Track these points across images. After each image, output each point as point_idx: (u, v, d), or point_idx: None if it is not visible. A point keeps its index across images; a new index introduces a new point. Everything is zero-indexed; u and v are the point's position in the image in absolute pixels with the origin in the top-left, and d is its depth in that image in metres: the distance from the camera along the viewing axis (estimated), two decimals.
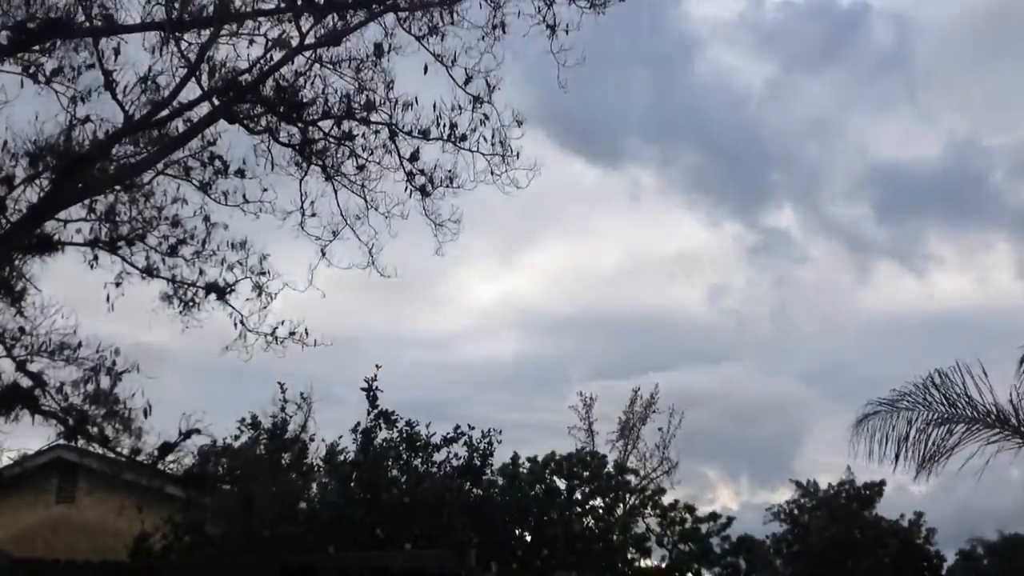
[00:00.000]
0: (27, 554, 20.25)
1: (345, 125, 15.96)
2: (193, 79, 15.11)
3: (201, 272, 16.79)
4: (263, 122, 15.85)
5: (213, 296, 16.73)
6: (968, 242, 77.97)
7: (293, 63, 15.52)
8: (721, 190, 74.02)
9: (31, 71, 14.51)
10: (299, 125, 15.90)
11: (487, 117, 15.69)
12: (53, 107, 14.85)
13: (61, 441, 17.30)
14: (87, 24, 14.36)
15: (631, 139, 58.77)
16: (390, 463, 22.72)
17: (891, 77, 74.29)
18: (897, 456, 13.93)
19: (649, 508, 36.81)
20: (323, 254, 16.42)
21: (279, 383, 21.93)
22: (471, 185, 16.02)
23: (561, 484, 30.40)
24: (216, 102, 15.35)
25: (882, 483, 43.16)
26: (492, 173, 15.87)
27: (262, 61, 15.31)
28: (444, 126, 15.73)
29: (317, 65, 15.64)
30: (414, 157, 16.04)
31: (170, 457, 16.45)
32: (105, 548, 20.44)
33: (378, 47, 15.46)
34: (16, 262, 15.61)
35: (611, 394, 48.55)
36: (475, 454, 23.19)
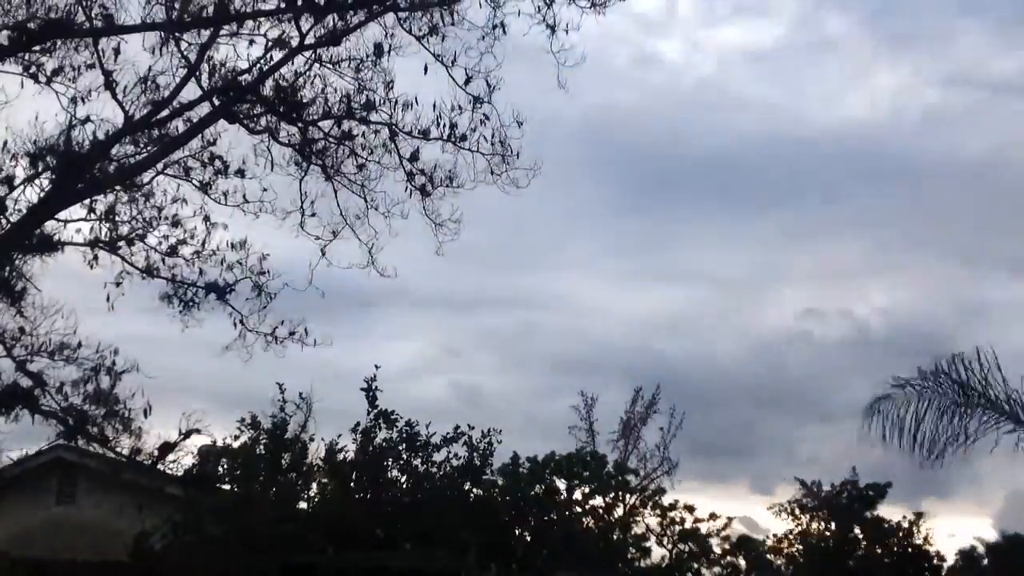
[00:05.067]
0: (27, 554, 20.27)
1: (345, 125, 15.96)
2: (193, 79, 15.16)
3: (201, 272, 16.77)
4: (263, 122, 15.87)
5: (213, 296, 16.71)
6: None
7: (293, 63, 15.56)
8: None
9: (31, 71, 14.54)
10: (299, 125, 15.90)
11: (487, 117, 15.70)
12: (53, 107, 14.91)
13: (61, 441, 17.33)
14: (87, 24, 14.37)
15: None
16: (390, 463, 22.72)
17: None
18: (915, 438, 13.69)
19: (649, 508, 36.83)
20: (323, 254, 16.42)
21: (278, 383, 21.94)
22: (471, 185, 16.03)
23: (561, 484, 30.41)
24: (216, 102, 15.37)
25: (887, 484, 43.05)
26: (492, 173, 15.87)
27: (262, 61, 15.35)
28: (444, 126, 15.73)
29: (317, 65, 15.68)
30: (414, 157, 16.03)
31: (170, 457, 16.48)
32: (105, 548, 20.45)
33: (378, 47, 15.46)
34: (16, 262, 15.61)
35: None
36: (475, 454, 23.17)
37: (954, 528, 78.86)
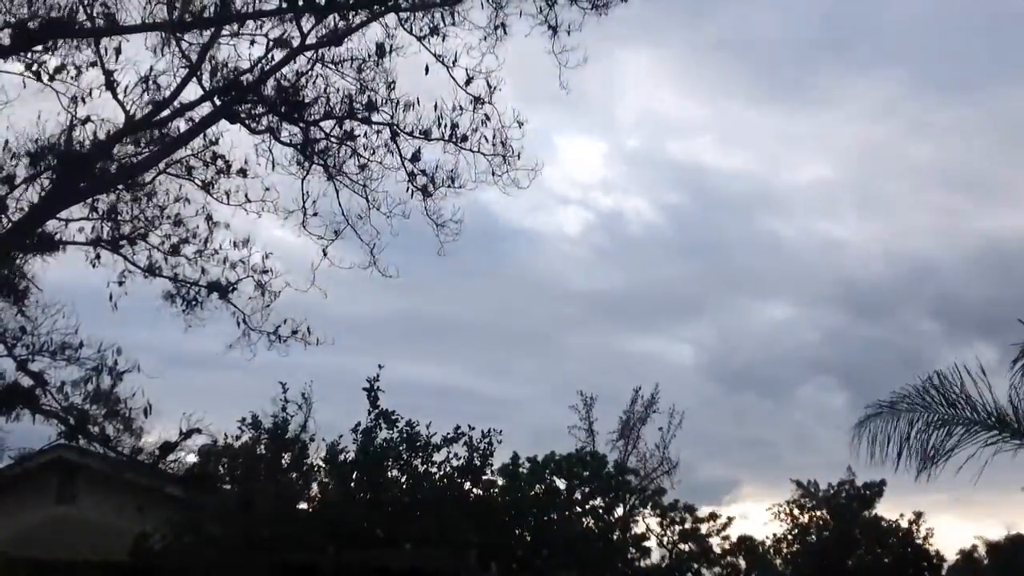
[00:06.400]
0: (27, 554, 20.25)
1: (347, 125, 15.96)
2: (195, 79, 15.14)
3: (203, 271, 16.76)
4: (265, 122, 15.85)
5: (215, 295, 16.69)
6: None
7: (295, 63, 15.55)
8: None
9: (33, 70, 14.51)
10: (301, 125, 15.90)
11: (488, 118, 15.70)
12: (54, 107, 14.88)
13: (61, 441, 17.30)
14: (89, 24, 14.36)
15: None
16: (390, 463, 22.71)
17: None
18: (899, 457, 13.90)
19: (649, 508, 36.86)
20: (324, 254, 16.41)
21: (280, 383, 21.92)
22: (472, 185, 16.04)
23: (561, 484, 30.40)
24: (217, 102, 15.36)
25: (882, 483, 43.15)
26: (493, 174, 15.88)
27: (264, 61, 15.34)
28: (445, 126, 15.74)
29: (319, 65, 15.67)
30: (415, 157, 16.03)
31: (170, 457, 16.46)
32: (105, 548, 20.44)
33: (379, 47, 15.46)
34: (18, 261, 15.58)
35: None
36: (475, 454, 23.17)
37: (954, 529, 78.97)
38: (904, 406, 14.13)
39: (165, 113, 15.34)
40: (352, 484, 22.48)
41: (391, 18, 15.48)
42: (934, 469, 13.84)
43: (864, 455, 14.20)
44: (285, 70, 15.53)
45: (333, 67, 15.65)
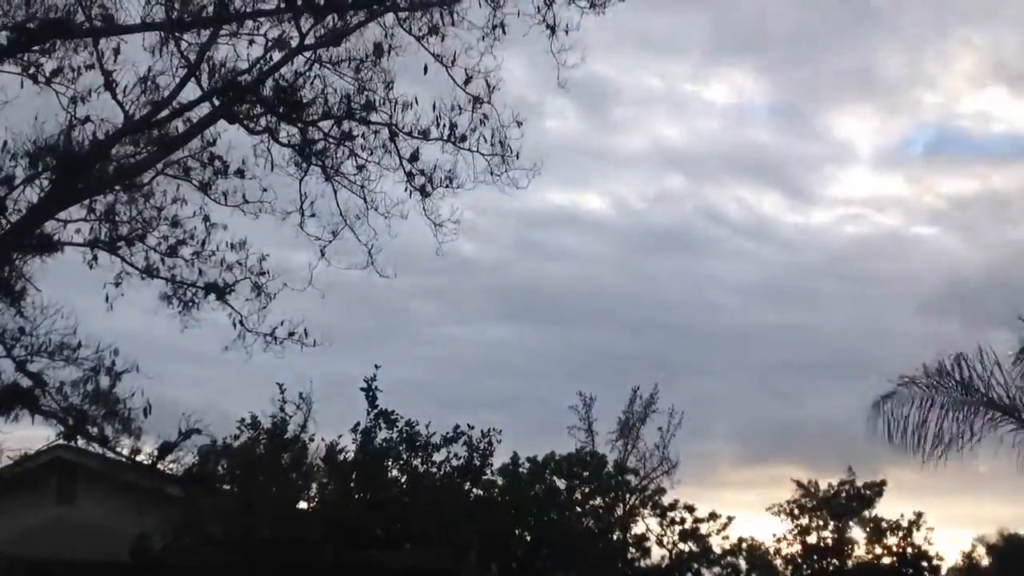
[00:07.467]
0: (27, 554, 20.27)
1: (345, 125, 15.94)
2: (193, 79, 15.14)
3: (200, 272, 16.75)
4: (263, 122, 15.84)
5: (212, 296, 16.69)
6: None
7: (293, 63, 15.53)
8: None
9: (31, 71, 14.51)
10: (299, 125, 15.88)
11: (487, 117, 15.70)
12: (53, 107, 14.87)
13: (61, 441, 17.30)
14: (87, 24, 14.37)
15: None
16: (390, 463, 22.74)
17: None
18: (918, 439, 13.72)
19: (649, 508, 36.86)
20: (322, 254, 16.41)
21: (278, 383, 21.95)
22: (471, 185, 16.04)
23: (561, 484, 30.43)
24: (216, 102, 15.36)
25: (883, 483, 43.12)
26: (492, 173, 15.88)
27: (262, 61, 15.31)
28: (444, 126, 15.73)
29: (317, 65, 15.65)
30: (414, 157, 16.02)
31: (170, 457, 16.46)
32: (105, 548, 20.46)
33: (378, 47, 15.45)
34: (16, 262, 15.59)
35: None
36: (475, 454, 23.20)
37: (955, 528, 78.73)
38: (920, 386, 13.97)
39: (164, 113, 15.34)
40: (352, 484, 22.50)
41: (389, 18, 15.50)
42: (950, 453, 13.66)
43: (882, 435, 14.04)
44: (283, 70, 15.54)
45: (331, 67, 15.65)
